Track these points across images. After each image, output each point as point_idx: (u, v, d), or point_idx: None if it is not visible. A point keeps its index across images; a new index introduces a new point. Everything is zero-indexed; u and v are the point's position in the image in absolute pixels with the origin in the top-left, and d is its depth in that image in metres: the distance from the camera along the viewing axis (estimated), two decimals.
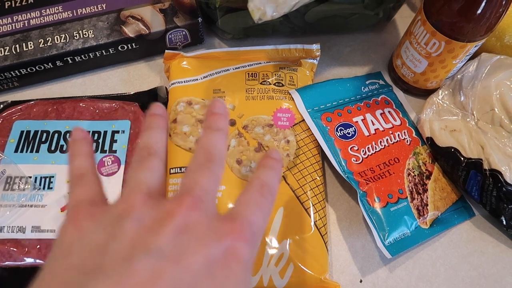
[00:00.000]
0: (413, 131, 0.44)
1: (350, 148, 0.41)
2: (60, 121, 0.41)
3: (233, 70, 0.44)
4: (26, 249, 0.35)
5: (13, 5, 0.46)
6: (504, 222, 0.39)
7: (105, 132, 0.41)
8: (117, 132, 0.41)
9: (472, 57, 0.43)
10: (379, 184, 0.39)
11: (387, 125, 0.43)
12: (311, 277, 0.36)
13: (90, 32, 0.45)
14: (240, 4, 0.43)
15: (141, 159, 0.24)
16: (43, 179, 0.38)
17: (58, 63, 0.45)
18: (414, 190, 0.40)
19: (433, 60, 0.41)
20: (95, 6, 0.46)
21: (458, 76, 0.43)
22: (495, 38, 0.44)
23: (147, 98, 0.44)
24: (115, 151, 0.40)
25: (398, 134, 0.43)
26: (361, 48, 0.51)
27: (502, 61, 0.42)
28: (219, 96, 0.43)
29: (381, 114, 0.44)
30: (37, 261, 0.35)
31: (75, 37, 0.45)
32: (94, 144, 0.40)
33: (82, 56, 0.45)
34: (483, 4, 0.34)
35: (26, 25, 0.45)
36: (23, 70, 0.44)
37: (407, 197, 0.39)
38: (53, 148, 0.40)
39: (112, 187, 0.38)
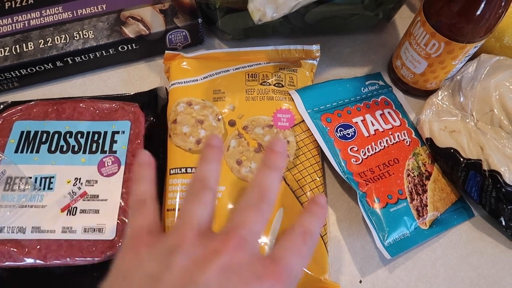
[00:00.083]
0: (413, 131, 0.44)
1: (350, 149, 0.41)
2: (60, 122, 0.41)
3: (233, 71, 0.44)
4: (26, 249, 0.35)
5: (13, 6, 0.46)
6: (503, 223, 0.39)
7: (105, 133, 0.41)
8: (117, 132, 0.41)
9: (472, 58, 0.43)
10: (379, 185, 0.39)
11: (386, 125, 0.43)
12: (311, 277, 0.36)
13: (90, 32, 0.45)
14: (240, 5, 0.43)
15: (195, 191, 0.25)
16: (43, 180, 0.38)
17: (58, 63, 0.45)
18: (413, 190, 0.40)
19: (433, 61, 0.41)
20: (95, 7, 0.47)
21: (458, 77, 0.43)
22: (495, 39, 0.44)
23: (147, 99, 0.44)
24: (115, 152, 0.40)
25: (398, 135, 0.43)
26: (361, 49, 0.51)
27: (501, 62, 0.42)
28: (219, 96, 0.43)
29: (380, 114, 0.44)
30: (37, 261, 0.35)
31: (75, 38, 0.45)
32: (94, 145, 0.40)
33: (82, 56, 0.45)
34: (482, 5, 0.34)
35: (26, 25, 0.45)
36: (23, 71, 0.44)
37: (406, 198, 0.39)
38: (53, 148, 0.40)
39: (112, 187, 0.38)
